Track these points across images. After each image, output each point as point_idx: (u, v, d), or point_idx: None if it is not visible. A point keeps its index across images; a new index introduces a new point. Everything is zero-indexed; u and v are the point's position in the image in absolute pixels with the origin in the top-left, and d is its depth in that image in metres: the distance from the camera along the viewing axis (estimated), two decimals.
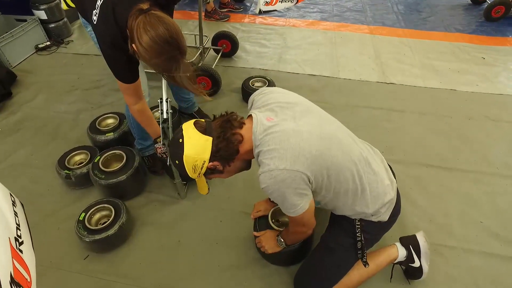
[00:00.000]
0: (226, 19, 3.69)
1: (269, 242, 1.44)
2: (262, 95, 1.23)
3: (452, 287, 1.49)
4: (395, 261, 1.43)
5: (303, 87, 2.63)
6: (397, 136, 2.23)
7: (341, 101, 2.49)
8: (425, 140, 2.22)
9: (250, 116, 1.15)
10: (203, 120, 1.14)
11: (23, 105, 2.50)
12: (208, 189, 1.26)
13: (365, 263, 1.31)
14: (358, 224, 1.27)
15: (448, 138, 2.24)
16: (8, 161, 2.07)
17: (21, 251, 0.60)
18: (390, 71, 2.90)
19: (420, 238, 1.44)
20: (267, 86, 2.45)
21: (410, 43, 3.32)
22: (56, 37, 3.22)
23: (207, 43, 2.83)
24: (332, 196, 1.17)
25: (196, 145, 1.06)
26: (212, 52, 2.97)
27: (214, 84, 2.48)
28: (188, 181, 1.90)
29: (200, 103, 2.34)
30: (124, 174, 1.73)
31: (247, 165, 1.22)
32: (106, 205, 1.65)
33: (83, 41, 3.29)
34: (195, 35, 2.80)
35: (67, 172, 1.82)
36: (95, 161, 1.79)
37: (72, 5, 1.57)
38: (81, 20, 1.56)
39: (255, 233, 1.53)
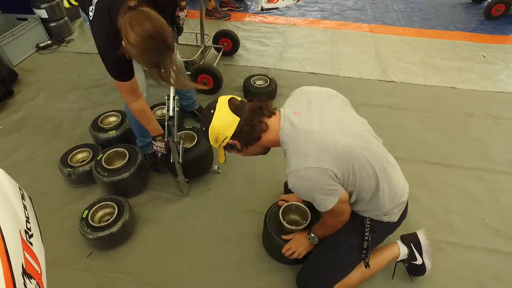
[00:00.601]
0: (226, 18, 3.69)
1: (302, 243, 1.41)
2: (299, 90, 1.28)
3: (454, 283, 1.50)
4: (397, 259, 1.44)
5: (304, 85, 2.62)
6: (398, 133, 2.24)
7: None
8: (426, 138, 2.23)
9: (274, 114, 1.17)
10: (239, 98, 1.17)
11: (24, 104, 2.50)
12: (225, 159, 1.28)
13: (367, 265, 1.31)
14: (368, 224, 1.27)
15: (449, 136, 2.25)
16: (10, 159, 2.07)
17: (31, 243, 0.60)
18: (390, 69, 2.91)
19: (421, 235, 1.44)
20: (268, 85, 2.45)
21: (411, 42, 3.33)
22: (57, 36, 3.22)
23: (208, 41, 2.83)
24: (354, 193, 1.17)
25: (224, 121, 1.11)
26: (213, 51, 2.98)
27: (215, 83, 2.48)
28: (191, 179, 1.91)
29: (201, 101, 2.35)
30: (126, 171, 1.73)
31: (265, 151, 1.25)
32: (109, 202, 1.66)
33: (84, 39, 3.30)
34: (196, 33, 2.80)
35: (70, 170, 1.82)
36: (98, 158, 1.80)
37: (75, 3, 1.57)
38: (81, 14, 1.57)
39: (284, 237, 1.47)
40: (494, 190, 1.90)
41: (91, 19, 1.32)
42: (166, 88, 1.48)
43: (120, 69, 1.40)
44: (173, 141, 1.57)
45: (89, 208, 1.62)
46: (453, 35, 3.46)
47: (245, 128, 1.11)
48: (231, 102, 1.13)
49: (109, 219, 1.59)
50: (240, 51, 3.06)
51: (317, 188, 1.07)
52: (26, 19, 3.01)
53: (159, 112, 2.19)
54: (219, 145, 1.17)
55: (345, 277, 1.31)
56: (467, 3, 4.17)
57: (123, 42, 1.18)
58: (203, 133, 1.18)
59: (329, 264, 1.33)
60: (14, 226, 0.56)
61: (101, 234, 1.53)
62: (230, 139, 1.13)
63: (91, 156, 1.92)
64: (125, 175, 1.72)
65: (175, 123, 1.52)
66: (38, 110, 2.46)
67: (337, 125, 1.11)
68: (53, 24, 3.18)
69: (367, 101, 2.50)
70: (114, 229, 1.55)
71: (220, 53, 2.86)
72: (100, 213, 1.65)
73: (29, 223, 0.63)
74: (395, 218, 1.29)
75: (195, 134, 1.87)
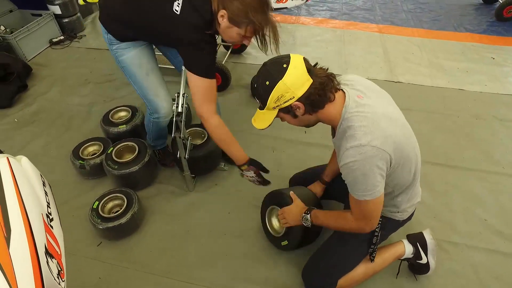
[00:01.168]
0: None
1: (294, 216, 1.39)
2: (349, 78, 1.20)
3: (455, 282, 1.52)
4: (402, 258, 1.47)
5: None
6: None
7: None
8: (432, 138, 2.24)
9: (339, 90, 1.11)
10: (308, 60, 1.09)
11: (38, 97, 2.58)
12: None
13: (373, 258, 1.34)
14: (380, 220, 1.29)
15: (455, 137, 2.26)
16: (24, 151, 2.14)
17: (51, 226, 0.65)
18: (398, 70, 2.91)
19: (427, 235, 1.47)
20: None
21: (419, 42, 3.32)
22: (70, 31, 3.29)
23: (218, 39, 2.86)
24: (390, 185, 1.15)
25: (298, 78, 1.02)
26: (222, 48, 3.02)
27: (223, 80, 2.52)
28: (197, 175, 1.95)
29: None
30: (136, 165, 1.78)
31: (313, 124, 1.17)
32: (118, 194, 1.71)
33: (95, 35, 3.36)
34: None
35: (81, 162, 1.88)
36: (108, 152, 1.85)
37: (91, 0, 1.60)
38: (105, 38, 1.49)
39: (292, 194, 1.46)
40: (497, 191, 1.91)
41: (178, 13, 1.26)
42: (177, 85, 1.52)
43: (210, 64, 1.36)
44: (180, 137, 1.61)
45: (99, 199, 1.68)
46: (463, 36, 3.45)
47: (316, 91, 1.03)
48: (306, 61, 1.05)
49: (118, 211, 1.65)
50: (248, 49, 3.09)
51: (375, 169, 1.01)
52: (40, 15, 3.09)
53: None
54: (278, 105, 1.06)
55: (350, 272, 1.34)
56: (478, 4, 4.14)
57: (223, 10, 1.22)
58: (262, 88, 1.05)
59: (336, 258, 1.35)
60: (37, 210, 0.61)
61: (110, 224, 1.58)
62: (296, 100, 1.04)
63: (101, 149, 1.97)
64: (135, 168, 1.78)
65: (183, 119, 1.57)
66: (51, 104, 2.53)
67: (395, 115, 1.10)
68: (66, 20, 3.25)
69: None
70: (123, 220, 1.60)
71: (229, 51, 2.89)
72: (110, 204, 1.71)
73: (49, 208, 0.68)
74: (405, 216, 1.32)
75: (204, 131, 1.91)
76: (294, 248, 1.54)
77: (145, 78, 1.58)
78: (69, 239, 1.67)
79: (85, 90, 2.66)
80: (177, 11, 1.27)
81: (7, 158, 0.61)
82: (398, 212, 1.29)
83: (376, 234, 1.31)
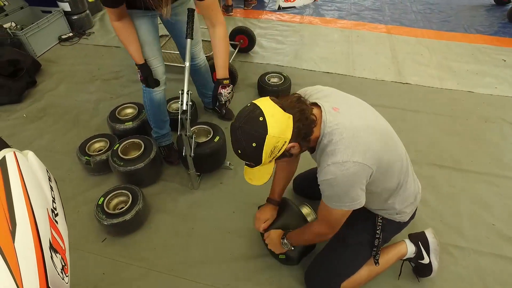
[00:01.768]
0: (230, 14, 3.72)
1: (276, 245, 1.43)
2: (316, 89, 1.19)
3: (460, 286, 1.50)
4: (404, 258, 1.45)
5: (318, 84, 2.63)
6: (411, 136, 2.23)
7: None
8: (439, 141, 2.21)
9: (314, 104, 1.08)
10: (273, 97, 1.03)
11: (46, 93, 2.60)
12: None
13: (377, 262, 1.33)
14: (380, 222, 1.29)
15: (463, 140, 2.22)
16: (31, 146, 2.16)
17: (56, 221, 0.65)
18: (406, 71, 2.88)
19: (429, 234, 1.45)
20: (282, 82, 2.47)
21: (428, 44, 3.28)
22: (78, 28, 3.32)
23: None
24: (376, 191, 1.15)
25: (281, 123, 0.95)
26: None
27: (230, 78, 2.51)
28: (203, 173, 1.95)
29: None
30: (141, 162, 1.79)
31: (303, 150, 1.12)
32: (124, 191, 1.72)
33: (104, 33, 3.39)
34: None
35: (87, 158, 1.90)
36: (114, 148, 1.86)
37: None
38: None
39: (263, 233, 1.52)
40: (506, 196, 1.88)
41: None
42: (181, 83, 1.53)
43: None
44: (186, 135, 1.61)
45: (104, 196, 1.69)
46: (473, 38, 3.40)
47: (301, 123, 0.98)
48: (273, 100, 1.00)
49: (123, 207, 1.65)
50: (256, 48, 3.09)
51: (357, 185, 1.02)
52: (50, 12, 3.12)
53: (174, 106, 2.24)
54: (274, 156, 1.00)
55: (353, 275, 1.33)
56: (489, 5, 4.08)
57: None
58: (249, 152, 0.97)
59: (338, 262, 1.34)
60: (42, 204, 0.61)
61: (115, 220, 1.59)
62: (289, 143, 0.99)
63: (108, 146, 1.99)
64: (140, 165, 1.78)
65: (188, 116, 1.57)
66: (59, 100, 2.55)
67: (372, 123, 1.09)
68: (75, 17, 3.29)
69: (381, 102, 2.49)
70: (127, 216, 1.61)
71: (236, 50, 2.89)
72: (115, 200, 1.72)
73: (54, 203, 0.68)
74: (405, 218, 1.31)
75: (210, 129, 1.91)
76: (296, 263, 1.52)
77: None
78: (73, 235, 1.68)
79: (92, 87, 2.68)
80: None
81: (14, 152, 0.62)
82: (397, 214, 1.28)
83: (378, 236, 1.30)
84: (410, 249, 1.43)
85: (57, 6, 3.18)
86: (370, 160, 1.00)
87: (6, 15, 3.00)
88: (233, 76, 2.51)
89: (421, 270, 1.47)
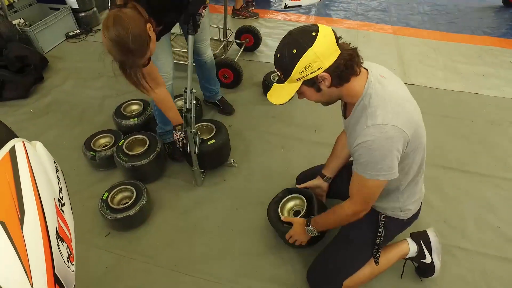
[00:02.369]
0: (255, 17, 3.67)
1: (301, 234, 1.41)
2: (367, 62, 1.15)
3: None
4: (406, 257, 1.45)
5: None
6: None
7: None
8: (445, 143, 2.20)
9: (362, 67, 1.07)
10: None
11: (53, 89, 2.63)
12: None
13: (377, 260, 1.33)
14: (382, 220, 1.29)
15: (469, 142, 2.21)
16: (38, 141, 2.18)
17: (63, 211, 0.66)
18: (412, 72, 2.87)
19: (431, 233, 1.45)
20: None
21: (434, 45, 3.27)
22: (85, 25, 3.35)
23: (231, 36, 2.88)
24: (401, 172, 1.12)
25: (327, 48, 0.95)
26: (235, 46, 3.02)
27: (235, 77, 2.53)
28: (207, 170, 1.96)
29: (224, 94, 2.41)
30: (146, 158, 1.80)
31: (335, 100, 1.11)
32: (128, 186, 1.73)
33: None
34: (219, 28, 2.85)
35: (93, 153, 1.91)
36: (119, 144, 1.87)
37: None
38: None
39: (284, 218, 1.51)
40: (511, 198, 1.86)
41: None
42: (185, 80, 1.54)
43: None
44: (191, 132, 1.62)
45: (109, 191, 1.70)
46: (480, 39, 3.37)
47: (344, 63, 0.97)
48: (335, 33, 0.99)
49: (127, 202, 1.66)
50: (261, 47, 3.09)
51: (394, 151, 0.99)
52: (58, 9, 3.15)
53: (179, 103, 2.25)
54: (303, 77, 0.98)
55: (355, 273, 1.33)
56: (498, 6, 4.04)
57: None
58: (288, 57, 0.97)
59: (340, 260, 1.34)
60: (50, 193, 0.62)
61: (119, 215, 1.60)
62: (323, 71, 0.97)
63: (113, 141, 2.00)
64: (144, 161, 1.79)
65: (193, 115, 1.58)
66: (65, 96, 2.57)
67: (413, 100, 1.09)
68: (82, 14, 3.31)
69: None
70: (131, 212, 1.62)
71: (242, 49, 2.90)
72: (119, 196, 1.73)
73: (61, 193, 0.69)
74: (409, 215, 1.31)
75: (213, 126, 1.91)
76: (306, 246, 1.50)
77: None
78: (78, 229, 1.68)
79: (98, 83, 2.70)
80: None
81: (23, 142, 0.62)
82: (400, 210, 1.28)
83: (380, 234, 1.30)
84: (412, 248, 1.42)
85: (65, 3, 3.21)
86: (408, 129, 0.99)
87: (15, 11, 3.03)
88: (238, 75, 2.52)
89: (424, 270, 1.46)
